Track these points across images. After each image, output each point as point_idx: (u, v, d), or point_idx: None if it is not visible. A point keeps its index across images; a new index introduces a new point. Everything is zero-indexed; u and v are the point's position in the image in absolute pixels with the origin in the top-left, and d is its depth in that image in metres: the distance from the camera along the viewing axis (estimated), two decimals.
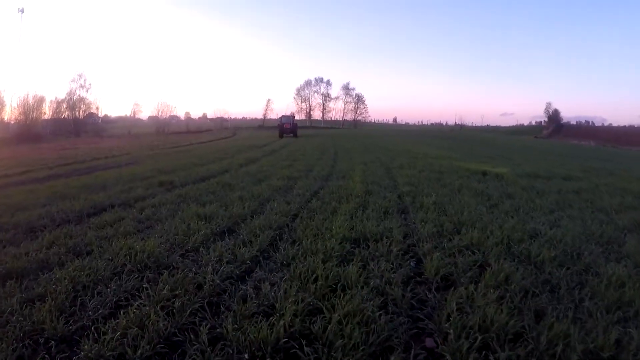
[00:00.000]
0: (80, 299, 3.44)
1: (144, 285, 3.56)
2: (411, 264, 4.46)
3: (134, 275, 3.84)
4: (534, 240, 5.29)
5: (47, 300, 3.37)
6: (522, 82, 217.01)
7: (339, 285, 3.55)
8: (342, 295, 3.32)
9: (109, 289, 3.57)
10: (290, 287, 3.49)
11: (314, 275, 3.69)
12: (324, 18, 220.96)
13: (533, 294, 3.74)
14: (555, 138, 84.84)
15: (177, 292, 3.37)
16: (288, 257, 4.29)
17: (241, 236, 5.01)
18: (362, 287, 3.53)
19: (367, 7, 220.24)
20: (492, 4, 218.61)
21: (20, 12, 57.43)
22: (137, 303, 3.27)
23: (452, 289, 3.82)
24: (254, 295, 3.38)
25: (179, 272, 3.78)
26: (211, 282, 3.60)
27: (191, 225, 5.34)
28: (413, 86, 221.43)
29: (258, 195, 7.57)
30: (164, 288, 3.44)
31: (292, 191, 8.27)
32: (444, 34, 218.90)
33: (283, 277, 3.77)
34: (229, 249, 4.51)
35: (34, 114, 48.93)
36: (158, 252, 4.32)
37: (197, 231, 5.09)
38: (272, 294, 3.39)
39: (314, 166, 13.03)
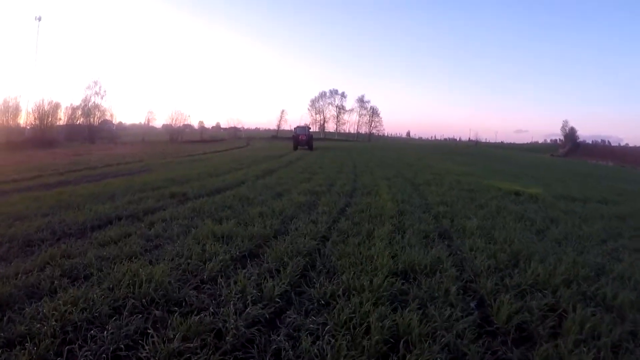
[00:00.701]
0: (68, 347, 2.69)
1: (149, 331, 2.79)
2: (472, 305, 3.68)
3: (138, 315, 3.07)
4: (601, 278, 4.64)
5: (27, 345, 2.64)
6: (537, 99, 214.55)
7: (401, 341, 2.73)
8: (406, 357, 2.51)
9: (105, 333, 2.81)
10: (336, 340, 2.69)
11: (365, 325, 2.88)
12: (340, 30, 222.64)
13: (626, 350, 3.11)
14: (572, 157, 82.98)
15: (190, 345, 2.59)
16: (326, 294, 3.49)
17: (266, 263, 4.24)
18: (429, 344, 2.71)
19: (382, 21, 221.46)
20: (508, 21, 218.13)
21: (37, 20, 58.19)
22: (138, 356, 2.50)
23: (533, 344, 3.16)
24: (291, 353, 2.59)
25: (194, 313, 3.00)
26: (234, 329, 2.81)
27: (207, 247, 4.58)
28: (427, 101, 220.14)
29: (280, 212, 6.80)
30: (174, 336, 2.67)
31: (317, 208, 7.49)
32: (459, 49, 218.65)
33: (325, 324, 2.97)
34: (253, 280, 3.73)
35: (50, 119, 49.23)
36: (167, 283, 3.55)
37: (214, 255, 4.33)
38: (315, 350, 2.59)
39: (335, 180, 12.26)
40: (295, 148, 39.23)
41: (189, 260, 4.21)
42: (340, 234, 5.62)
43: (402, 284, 3.86)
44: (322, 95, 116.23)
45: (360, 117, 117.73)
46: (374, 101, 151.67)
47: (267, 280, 3.69)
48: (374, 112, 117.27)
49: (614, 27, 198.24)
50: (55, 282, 3.78)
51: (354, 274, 3.90)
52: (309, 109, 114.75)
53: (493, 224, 7.04)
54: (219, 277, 3.81)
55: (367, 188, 10.60)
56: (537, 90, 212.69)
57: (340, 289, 3.54)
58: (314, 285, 3.69)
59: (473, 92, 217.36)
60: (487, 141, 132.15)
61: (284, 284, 3.64)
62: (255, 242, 4.97)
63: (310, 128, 47.38)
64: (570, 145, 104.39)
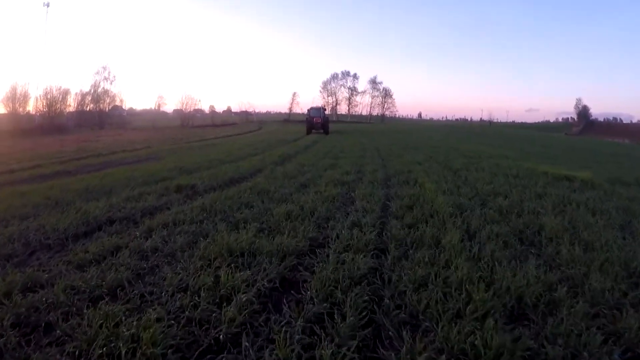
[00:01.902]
0: None
1: None
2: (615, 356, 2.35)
3: None
4: None
5: None
6: (548, 78, 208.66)
7: None
8: None
9: None
10: None
11: None
12: (350, 11, 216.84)
13: None
14: (586, 135, 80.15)
15: None
16: None
17: (310, 303, 2.85)
18: None
19: (391, 1, 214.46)
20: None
21: (45, 6, 56.95)
22: None
23: None
24: None
25: None
26: None
27: (221, 274, 3.20)
28: (437, 81, 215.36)
29: (310, 211, 5.40)
30: None
31: (353, 204, 6.09)
32: (469, 28, 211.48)
33: None
34: (296, 340, 2.35)
35: (59, 106, 48.35)
36: (161, 356, 2.19)
37: (232, 291, 2.96)
38: None
39: (362, 166, 10.79)
40: (309, 132, 34.60)
41: (196, 299, 2.84)
42: (397, 243, 4.20)
43: (520, 333, 2.47)
44: (334, 76, 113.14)
45: (372, 98, 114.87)
46: (385, 82, 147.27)
47: (318, 341, 2.31)
48: (386, 94, 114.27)
49: (623, 3, 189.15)
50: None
51: (449, 322, 2.50)
52: (320, 91, 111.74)
53: (571, 221, 5.63)
54: (242, 335, 2.43)
55: (401, 175, 9.13)
56: (548, 69, 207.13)
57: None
58: (395, 348, 2.30)
59: (483, 72, 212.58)
60: (498, 120, 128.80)
61: (346, 348, 2.25)
62: (288, 263, 3.59)
63: (325, 109, 41.19)
64: (584, 123, 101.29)
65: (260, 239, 4.08)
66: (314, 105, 43.47)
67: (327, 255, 3.71)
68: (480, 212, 5.82)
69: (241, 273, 3.19)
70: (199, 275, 3.24)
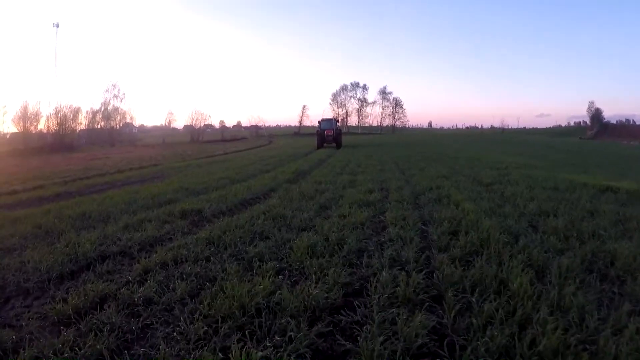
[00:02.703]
0: None
1: None
2: None
3: None
4: None
5: None
6: (557, 82, 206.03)
7: None
8: None
9: None
10: None
11: None
12: (356, 21, 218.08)
13: None
14: (601, 139, 78.17)
15: None
16: None
17: None
18: None
19: (397, 11, 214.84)
20: (525, 4, 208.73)
21: (55, 27, 57.93)
22: None
23: None
24: None
25: None
26: None
27: (233, 349, 2.33)
28: (446, 90, 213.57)
29: (338, 243, 4.52)
30: None
31: (385, 230, 5.22)
32: (476, 35, 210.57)
33: None
34: None
35: (70, 124, 48.56)
36: None
37: None
38: None
39: (385, 182, 9.91)
40: (320, 146, 30.95)
41: None
42: (454, 289, 3.30)
43: None
44: (344, 88, 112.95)
45: (383, 109, 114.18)
46: (395, 93, 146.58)
47: None
48: (397, 104, 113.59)
49: (632, 4, 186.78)
50: None
51: None
52: (330, 103, 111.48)
53: None
54: None
55: (431, 192, 8.22)
56: (557, 73, 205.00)
57: None
58: None
59: (493, 78, 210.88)
60: (509, 127, 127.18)
61: None
62: (322, 328, 2.70)
63: (338, 121, 37.46)
64: (598, 126, 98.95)
65: (281, 289, 3.20)
66: (325, 117, 39.41)
67: (370, 313, 2.82)
68: (536, 238, 4.92)
69: (259, 349, 2.31)
70: (200, 349, 2.38)
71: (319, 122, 34.27)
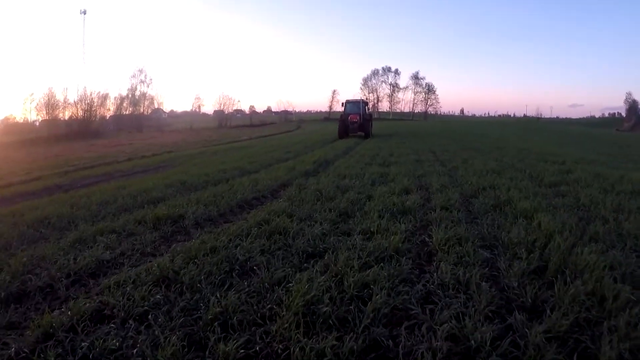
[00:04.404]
0: None
1: None
2: None
3: None
4: None
5: None
6: (593, 71, 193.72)
7: None
8: None
9: None
10: None
11: None
12: (389, 5, 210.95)
13: None
14: (638, 131, 72.16)
15: None
16: None
17: None
18: None
19: None
20: None
21: (82, 14, 58.18)
22: None
23: None
24: None
25: None
26: None
27: None
28: (478, 76, 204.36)
29: (358, 293, 2.77)
30: None
31: (432, 263, 3.41)
32: (511, 21, 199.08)
33: None
34: None
35: (98, 110, 48.61)
36: None
37: None
38: None
39: (423, 178, 7.98)
40: (342, 135, 23.91)
41: None
42: None
43: None
44: (375, 73, 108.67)
45: (415, 94, 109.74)
46: (428, 78, 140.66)
47: None
48: (429, 90, 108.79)
49: None
50: None
51: None
52: (361, 88, 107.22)
53: None
54: None
55: (484, 194, 6.27)
56: (593, 62, 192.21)
57: None
58: None
59: (526, 66, 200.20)
60: (542, 116, 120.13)
61: None
62: None
63: (367, 103, 28.67)
64: (635, 118, 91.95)
65: None
66: (351, 98, 30.16)
67: None
68: None
69: None
70: None
71: (343, 103, 26.80)
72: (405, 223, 4.48)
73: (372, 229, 4.17)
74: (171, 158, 15.16)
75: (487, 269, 3.26)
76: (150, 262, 3.59)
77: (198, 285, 3.00)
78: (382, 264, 3.21)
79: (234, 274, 3.22)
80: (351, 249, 3.56)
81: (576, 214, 5.24)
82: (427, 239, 3.98)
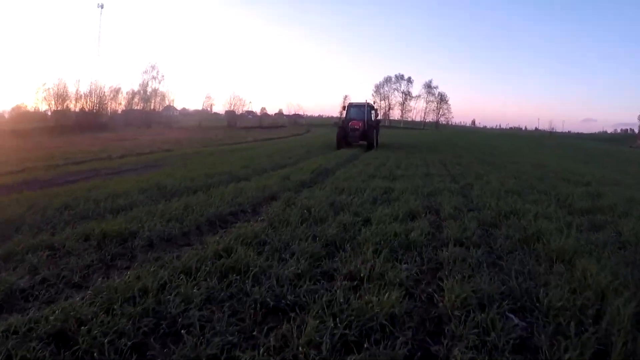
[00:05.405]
0: None
1: None
2: None
3: None
4: None
5: None
6: (606, 87, 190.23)
7: None
8: None
9: None
10: None
11: None
12: (402, 14, 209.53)
13: None
14: None
15: None
16: None
17: None
18: None
19: (445, 5, 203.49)
20: (576, 5, 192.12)
21: (99, 8, 58.41)
22: None
23: None
24: None
25: None
26: None
27: None
28: (491, 88, 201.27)
29: None
30: None
31: (440, 345, 2.43)
32: (525, 33, 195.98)
33: None
34: None
35: (109, 104, 48.41)
36: None
37: None
38: None
39: (433, 197, 6.95)
40: (341, 144, 19.95)
41: None
42: None
43: None
44: (387, 80, 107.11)
45: (427, 103, 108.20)
46: (440, 88, 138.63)
47: None
48: (442, 99, 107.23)
49: None
50: None
51: None
52: (373, 95, 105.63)
53: None
54: None
55: (509, 223, 5.26)
56: (607, 78, 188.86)
57: None
58: None
59: (539, 79, 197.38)
60: (555, 130, 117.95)
61: None
62: None
63: (374, 108, 23.51)
64: None
65: None
66: (354, 102, 24.19)
67: None
68: None
69: None
70: None
71: (344, 107, 23.11)
72: (407, 264, 3.49)
73: (362, 274, 3.16)
74: (166, 157, 14.34)
75: (520, 348, 2.27)
76: (68, 298, 2.69)
77: (100, 349, 2.06)
78: (367, 342, 2.22)
79: (156, 337, 2.27)
80: (328, 308, 2.58)
81: (623, 256, 4.23)
82: (435, 295, 2.97)
